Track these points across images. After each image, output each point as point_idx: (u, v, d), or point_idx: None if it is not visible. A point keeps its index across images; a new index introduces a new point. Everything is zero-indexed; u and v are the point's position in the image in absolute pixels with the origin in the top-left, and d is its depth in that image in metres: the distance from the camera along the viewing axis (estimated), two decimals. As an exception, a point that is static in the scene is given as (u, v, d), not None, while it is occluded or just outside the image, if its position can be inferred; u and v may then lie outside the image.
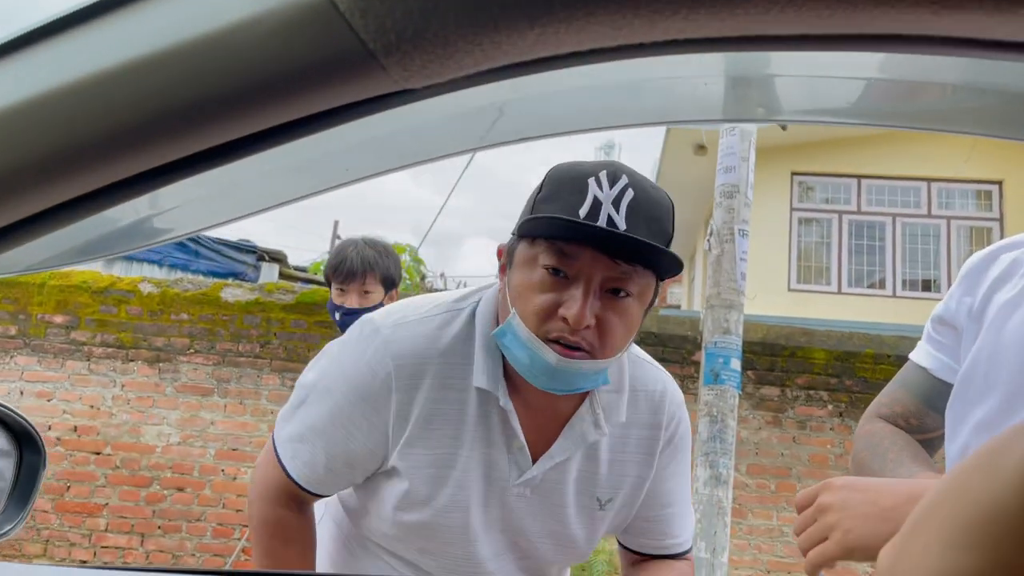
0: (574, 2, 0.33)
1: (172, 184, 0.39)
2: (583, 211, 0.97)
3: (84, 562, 4.81)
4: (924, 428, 1.19)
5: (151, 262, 7.08)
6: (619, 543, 1.33)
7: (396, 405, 1.06)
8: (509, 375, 1.08)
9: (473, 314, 1.11)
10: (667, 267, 1.02)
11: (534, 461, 1.11)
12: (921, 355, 1.21)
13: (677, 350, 5.05)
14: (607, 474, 1.17)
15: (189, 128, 0.37)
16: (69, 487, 4.88)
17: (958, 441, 1.11)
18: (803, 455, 4.90)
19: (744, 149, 3.69)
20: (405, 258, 14.36)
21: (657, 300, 1.09)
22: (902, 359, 1.27)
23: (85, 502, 4.87)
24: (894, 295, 9.88)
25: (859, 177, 10.18)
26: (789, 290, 9.95)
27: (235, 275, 7.08)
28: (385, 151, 0.47)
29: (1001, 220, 9.78)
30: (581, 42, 0.36)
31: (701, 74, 0.51)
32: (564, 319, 0.97)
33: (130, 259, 6.93)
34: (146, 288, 5.06)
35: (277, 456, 1.14)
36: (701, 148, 9.68)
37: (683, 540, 1.29)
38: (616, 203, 0.98)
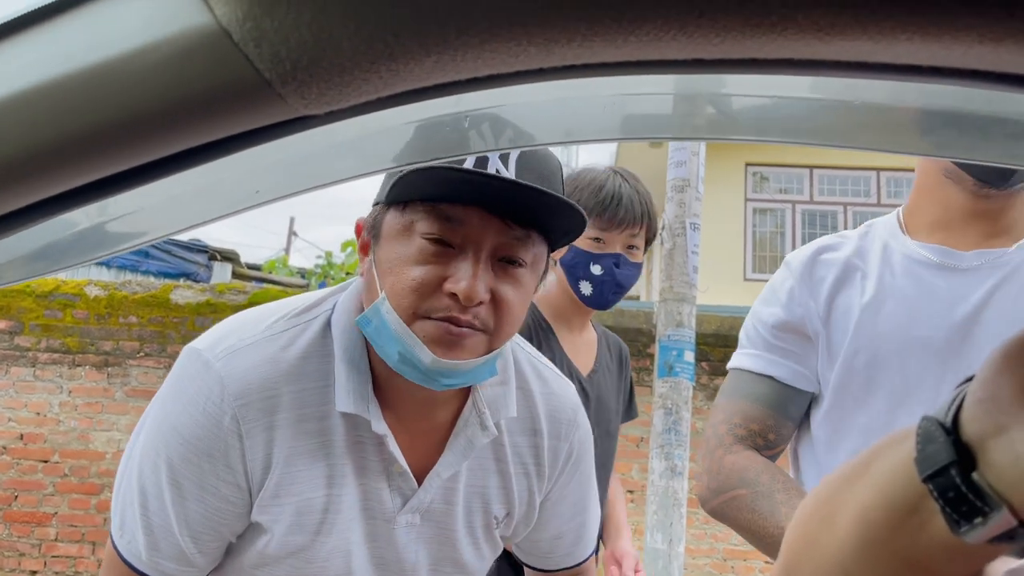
0: (467, 30, 0.33)
1: (71, 211, 0.38)
2: (467, 165, 0.82)
3: (35, 572, 4.70)
4: (779, 441, 1.17)
5: (99, 264, 6.92)
6: (525, 565, 1.18)
7: (250, 453, 0.87)
8: (379, 388, 0.91)
9: (327, 324, 0.92)
10: (565, 229, 0.88)
11: (419, 483, 0.95)
12: (762, 364, 1.18)
13: (632, 343, 5.10)
14: (499, 487, 1.01)
15: (84, 157, 0.36)
16: (17, 496, 4.76)
17: (844, 447, 1.12)
18: (757, 443, 4.99)
19: (694, 144, 3.74)
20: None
21: (548, 271, 0.96)
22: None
23: (34, 511, 4.75)
24: (845, 283, 10.10)
25: (811, 167, 10.38)
26: (745, 280, 10.11)
27: (186, 275, 6.96)
28: (299, 172, 0.47)
29: (947, 208, 10.04)
30: (479, 68, 0.36)
31: (649, 91, 0.52)
32: (452, 295, 0.81)
33: (77, 261, 6.75)
34: (92, 291, 4.95)
35: (133, 568, 0.89)
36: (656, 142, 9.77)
37: (591, 544, 1.17)
38: (503, 157, 0.84)
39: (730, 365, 1.24)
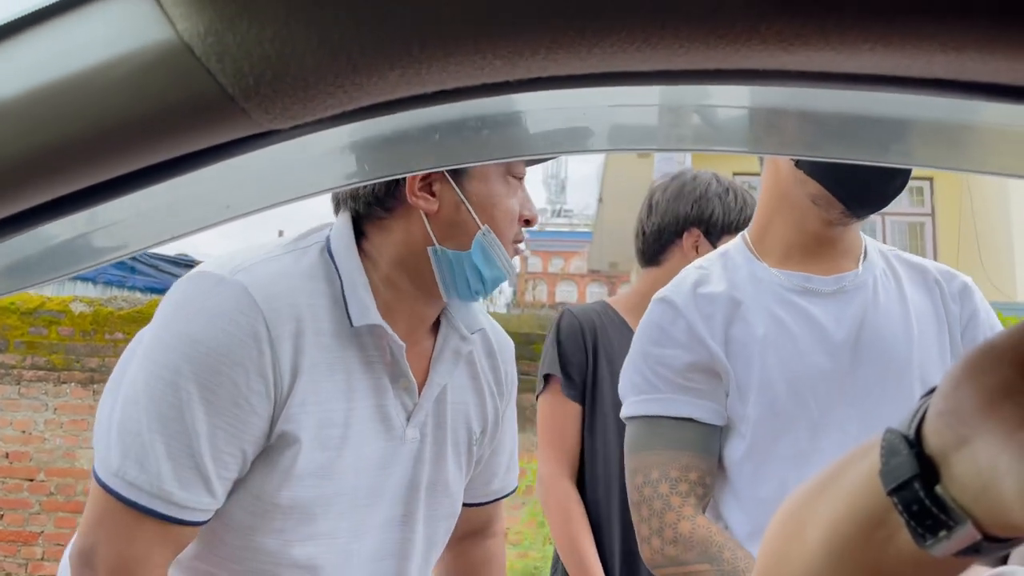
0: (430, 44, 0.33)
1: (33, 229, 0.38)
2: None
3: (20, 593, 4.64)
4: (713, 483, 1.17)
5: (84, 279, 6.87)
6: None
7: (280, 361, 0.88)
8: (381, 308, 0.99)
9: (324, 251, 0.99)
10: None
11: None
12: (679, 408, 1.16)
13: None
14: (476, 402, 1.13)
15: (47, 173, 0.36)
16: (3, 515, 4.71)
17: (770, 479, 1.13)
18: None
19: (680, 154, 3.76)
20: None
21: None
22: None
23: (20, 530, 4.70)
24: (833, 291, 10.14)
25: (797, 176, 10.41)
26: (733, 288, 10.11)
27: (174, 291, 6.89)
28: (270, 186, 0.47)
29: (933, 215, 10.13)
30: (444, 81, 0.36)
31: (634, 102, 0.52)
32: (527, 220, 1.02)
33: (62, 277, 6.70)
34: (78, 308, 4.91)
35: (138, 506, 0.84)
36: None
37: (516, 477, 1.27)
38: None
39: (635, 413, 1.19)
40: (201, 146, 0.37)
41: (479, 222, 0.99)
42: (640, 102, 0.52)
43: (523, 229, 1.04)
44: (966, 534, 0.31)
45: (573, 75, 0.37)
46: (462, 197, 0.99)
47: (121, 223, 0.44)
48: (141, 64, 0.34)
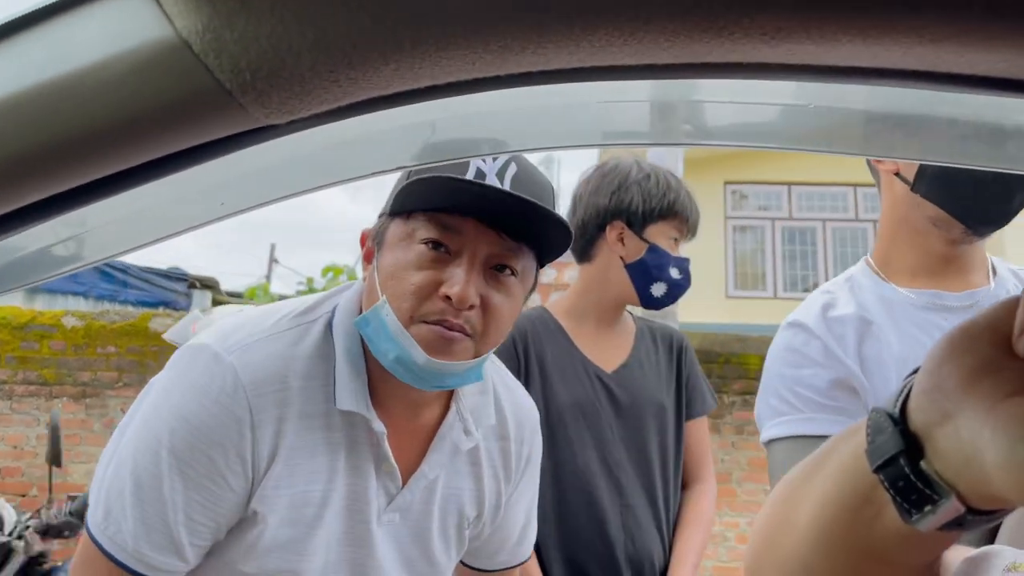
0: (423, 39, 0.34)
1: (35, 226, 0.39)
2: (469, 176, 0.89)
3: (12, 610, 4.59)
4: None
5: (76, 294, 6.84)
6: (462, 564, 1.20)
7: (259, 444, 0.89)
8: (372, 389, 0.95)
9: (328, 327, 0.96)
10: (553, 243, 0.94)
11: (403, 483, 0.99)
12: (824, 427, 1.15)
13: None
14: (472, 488, 1.06)
15: (47, 170, 0.37)
16: (-6, 532, 4.67)
17: None
18: (742, 460, 5.00)
19: (672, 162, 3.78)
20: (342, 279, 14.14)
21: (536, 287, 1.01)
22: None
23: (12, 547, 4.66)
24: (825, 298, 10.19)
25: (789, 184, 10.50)
26: (727, 297, 10.17)
27: (166, 304, 6.88)
28: (267, 181, 0.48)
29: (922, 222, 10.20)
30: (437, 76, 0.37)
31: (631, 98, 0.53)
32: (446, 298, 0.87)
33: (52, 291, 6.69)
34: (70, 322, 4.89)
35: (115, 560, 0.87)
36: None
37: (531, 546, 1.23)
38: (500, 175, 0.90)
39: (777, 435, 1.18)
40: (199, 141, 0.37)
41: (380, 291, 0.90)
42: (635, 97, 0.53)
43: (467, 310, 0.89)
44: (950, 507, 0.32)
45: (562, 69, 0.38)
46: (375, 265, 0.93)
47: (114, 223, 0.45)
48: (140, 61, 0.35)
